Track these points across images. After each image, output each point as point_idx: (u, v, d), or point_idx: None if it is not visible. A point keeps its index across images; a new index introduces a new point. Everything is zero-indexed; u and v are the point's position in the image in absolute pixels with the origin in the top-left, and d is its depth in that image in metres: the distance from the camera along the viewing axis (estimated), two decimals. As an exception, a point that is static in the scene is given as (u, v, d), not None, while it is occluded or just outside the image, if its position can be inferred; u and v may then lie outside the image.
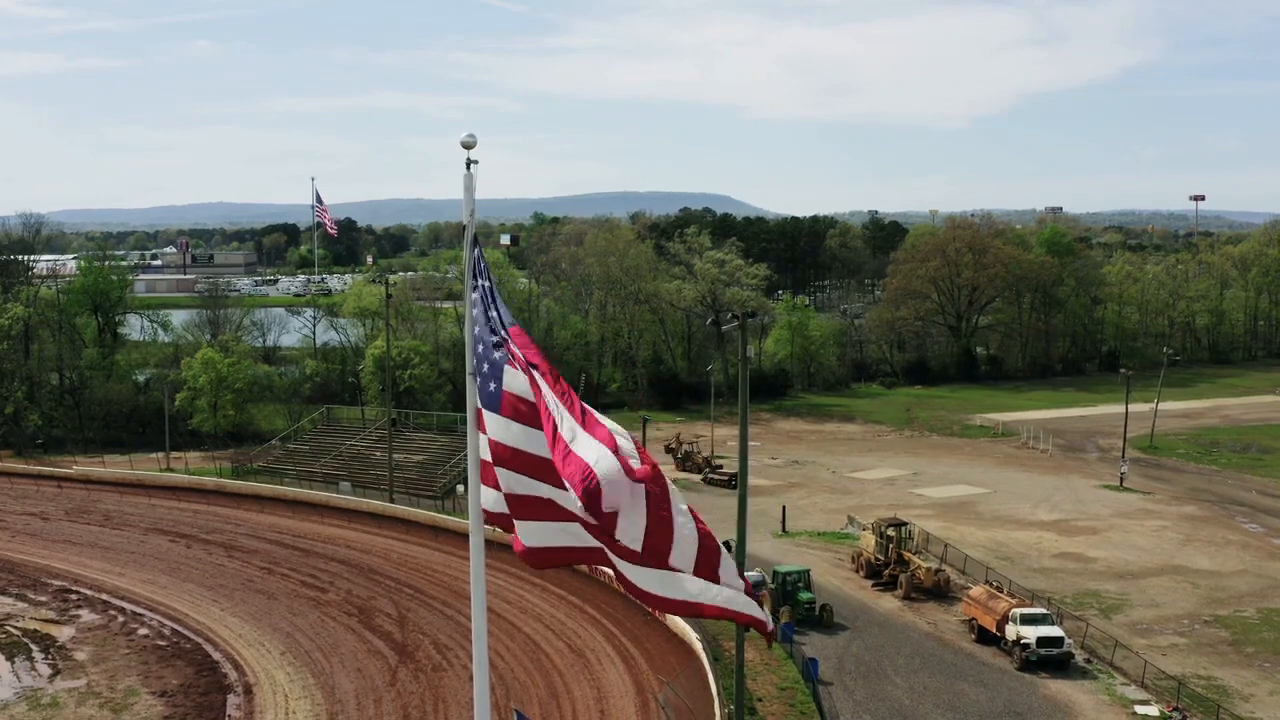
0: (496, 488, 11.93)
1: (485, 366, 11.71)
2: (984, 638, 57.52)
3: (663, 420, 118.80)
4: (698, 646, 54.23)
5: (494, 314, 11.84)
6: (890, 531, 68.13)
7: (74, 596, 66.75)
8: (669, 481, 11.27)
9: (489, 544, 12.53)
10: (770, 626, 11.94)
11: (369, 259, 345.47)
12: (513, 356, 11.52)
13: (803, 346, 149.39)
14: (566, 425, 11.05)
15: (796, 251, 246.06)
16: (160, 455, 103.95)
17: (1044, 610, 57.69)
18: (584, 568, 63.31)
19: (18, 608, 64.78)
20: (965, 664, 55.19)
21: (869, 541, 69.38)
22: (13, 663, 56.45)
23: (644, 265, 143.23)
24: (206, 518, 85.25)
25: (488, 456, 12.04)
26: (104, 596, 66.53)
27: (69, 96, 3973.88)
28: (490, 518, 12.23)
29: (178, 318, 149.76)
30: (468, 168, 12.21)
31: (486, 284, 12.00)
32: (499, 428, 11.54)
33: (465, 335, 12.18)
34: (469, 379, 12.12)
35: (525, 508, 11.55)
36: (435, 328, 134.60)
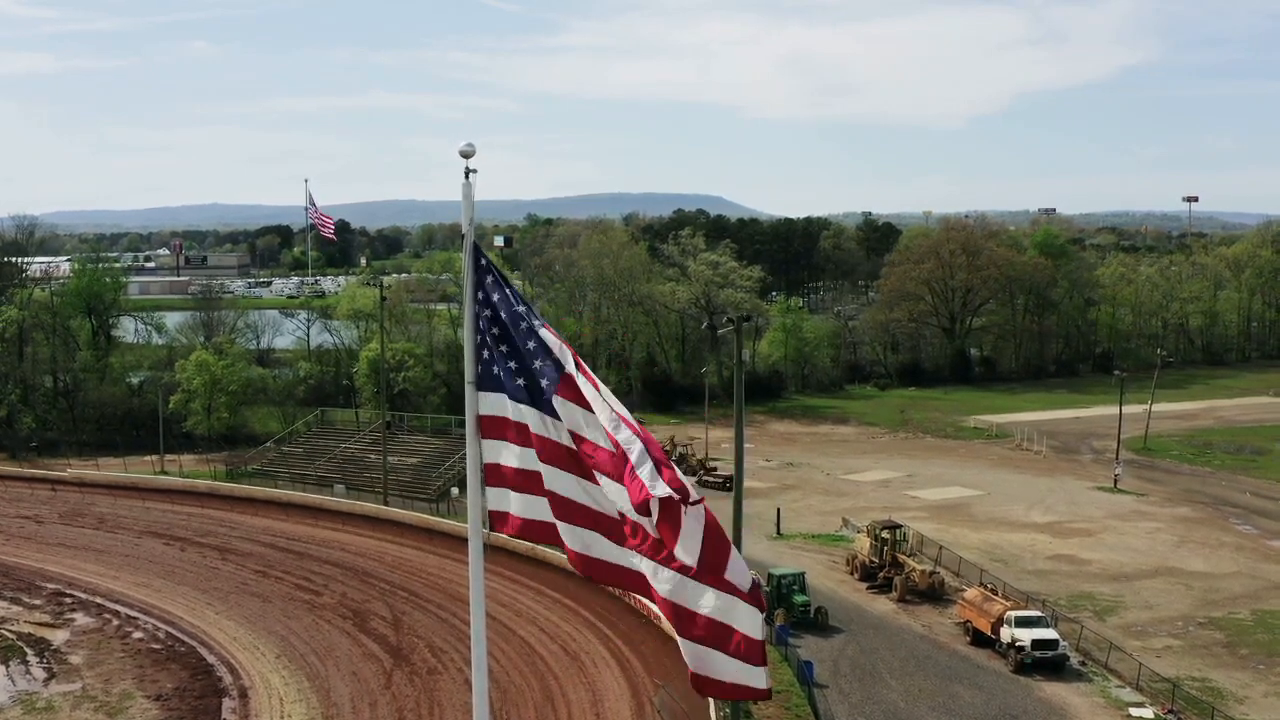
0: (504, 486, 12.03)
1: (535, 364, 11.67)
2: (979, 640, 57.62)
3: (657, 422, 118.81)
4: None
5: (524, 324, 11.80)
6: (885, 534, 68.23)
7: (69, 600, 66.69)
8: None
9: (484, 548, 12.54)
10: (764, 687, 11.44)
11: (363, 261, 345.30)
12: (560, 376, 11.55)
13: (797, 348, 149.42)
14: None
15: (790, 253, 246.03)
16: (154, 458, 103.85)
17: (1039, 613, 57.82)
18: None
19: (12, 611, 64.71)
20: (960, 666, 55.27)
21: (864, 544, 69.46)
22: (7, 666, 56.41)
23: (638, 267, 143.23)
24: (201, 520, 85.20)
25: (492, 460, 12.09)
26: (99, 600, 66.49)
27: (64, 96, 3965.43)
28: (494, 517, 12.27)
29: (171, 320, 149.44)
30: (466, 176, 12.14)
31: (509, 291, 11.98)
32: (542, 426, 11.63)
33: (465, 343, 12.16)
34: (468, 388, 12.12)
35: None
36: (429, 330, 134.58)
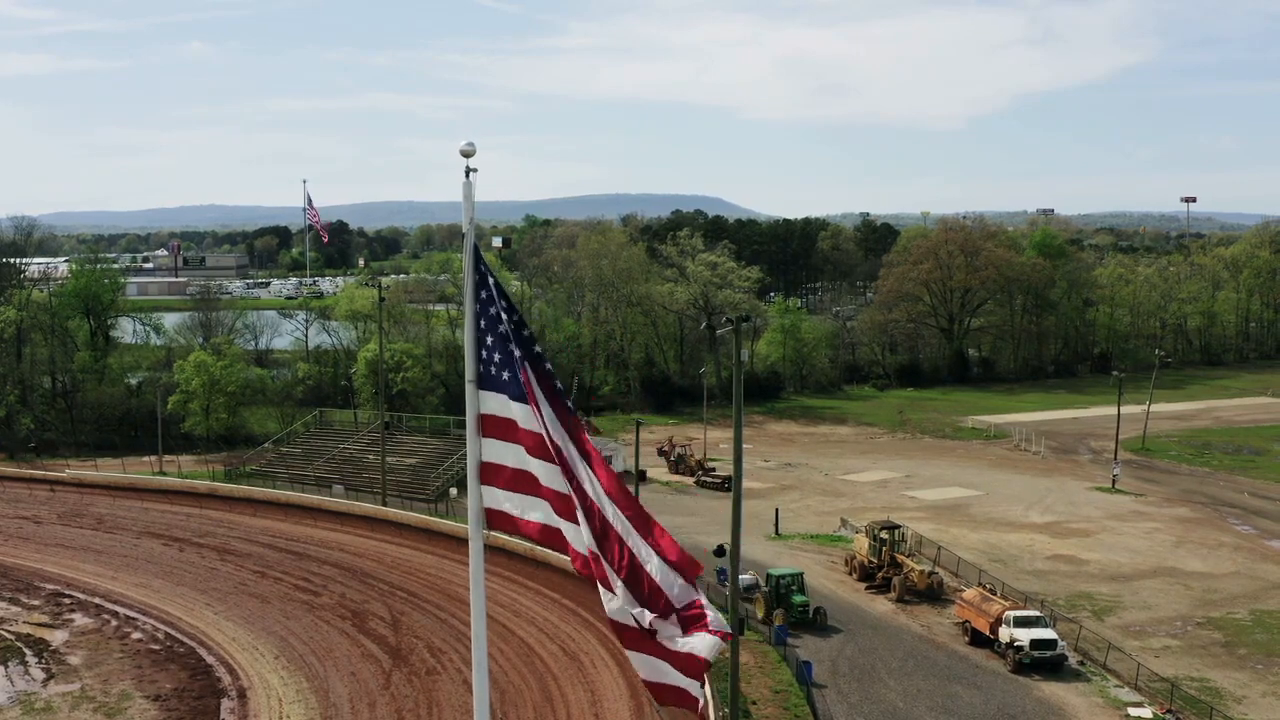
0: (501, 487, 12.07)
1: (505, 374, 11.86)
2: (977, 640, 57.62)
3: (655, 423, 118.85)
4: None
5: (510, 345, 11.92)
6: (883, 534, 68.20)
7: (67, 600, 66.65)
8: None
9: (484, 548, 12.54)
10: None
11: (361, 261, 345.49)
12: (528, 392, 11.67)
13: (795, 349, 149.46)
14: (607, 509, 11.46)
15: (789, 254, 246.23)
16: (153, 458, 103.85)
17: (1037, 613, 57.81)
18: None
19: (11, 612, 64.67)
20: (959, 666, 55.29)
21: (862, 544, 69.45)
22: (6, 667, 56.37)
23: (636, 268, 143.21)
24: (199, 521, 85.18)
25: (491, 459, 12.12)
26: (97, 600, 66.46)
27: (60, 98, 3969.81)
28: (492, 515, 12.28)
29: (170, 320, 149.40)
30: (467, 176, 12.15)
31: (504, 303, 12.08)
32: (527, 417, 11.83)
33: (466, 342, 12.17)
34: (469, 386, 12.14)
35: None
36: (428, 330, 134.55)
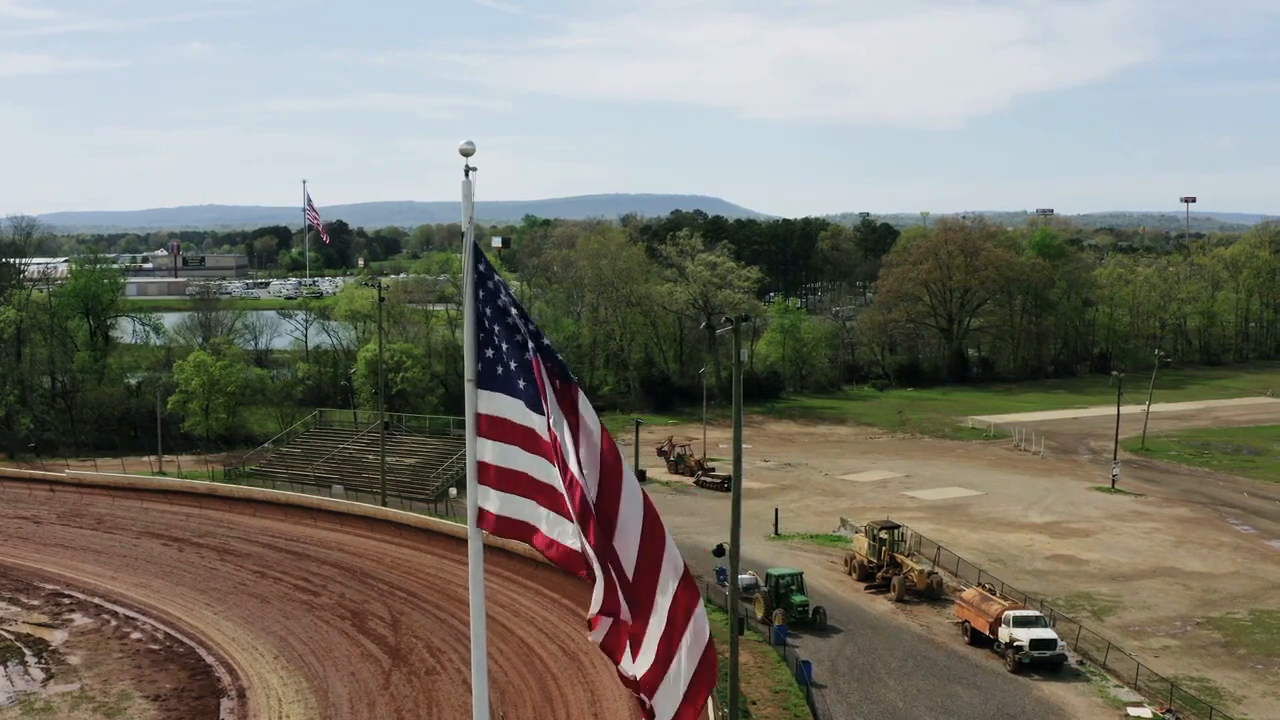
0: (506, 489, 11.99)
1: (516, 375, 11.76)
2: (977, 640, 57.63)
3: (655, 423, 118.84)
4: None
5: (517, 336, 11.81)
6: (883, 534, 68.21)
7: (67, 600, 66.68)
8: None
9: (484, 548, 12.52)
10: None
11: (360, 261, 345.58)
12: (540, 391, 11.57)
13: (795, 349, 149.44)
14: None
15: (788, 254, 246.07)
16: (152, 458, 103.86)
17: (1037, 613, 57.82)
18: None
19: (10, 612, 64.70)
20: (958, 666, 55.30)
21: (862, 544, 69.46)
22: (5, 667, 56.40)
23: (636, 268, 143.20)
24: (199, 521, 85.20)
25: (487, 458, 12.06)
26: (97, 600, 66.49)
27: (60, 98, 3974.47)
28: (484, 515, 12.22)
29: (169, 320, 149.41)
30: (466, 175, 12.11)
31: (508, 298, 11.99)
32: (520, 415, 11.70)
33: (465, 340, 12.14)
34: (468, 385, 12.11)
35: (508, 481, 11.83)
36: (427, 330, 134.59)
